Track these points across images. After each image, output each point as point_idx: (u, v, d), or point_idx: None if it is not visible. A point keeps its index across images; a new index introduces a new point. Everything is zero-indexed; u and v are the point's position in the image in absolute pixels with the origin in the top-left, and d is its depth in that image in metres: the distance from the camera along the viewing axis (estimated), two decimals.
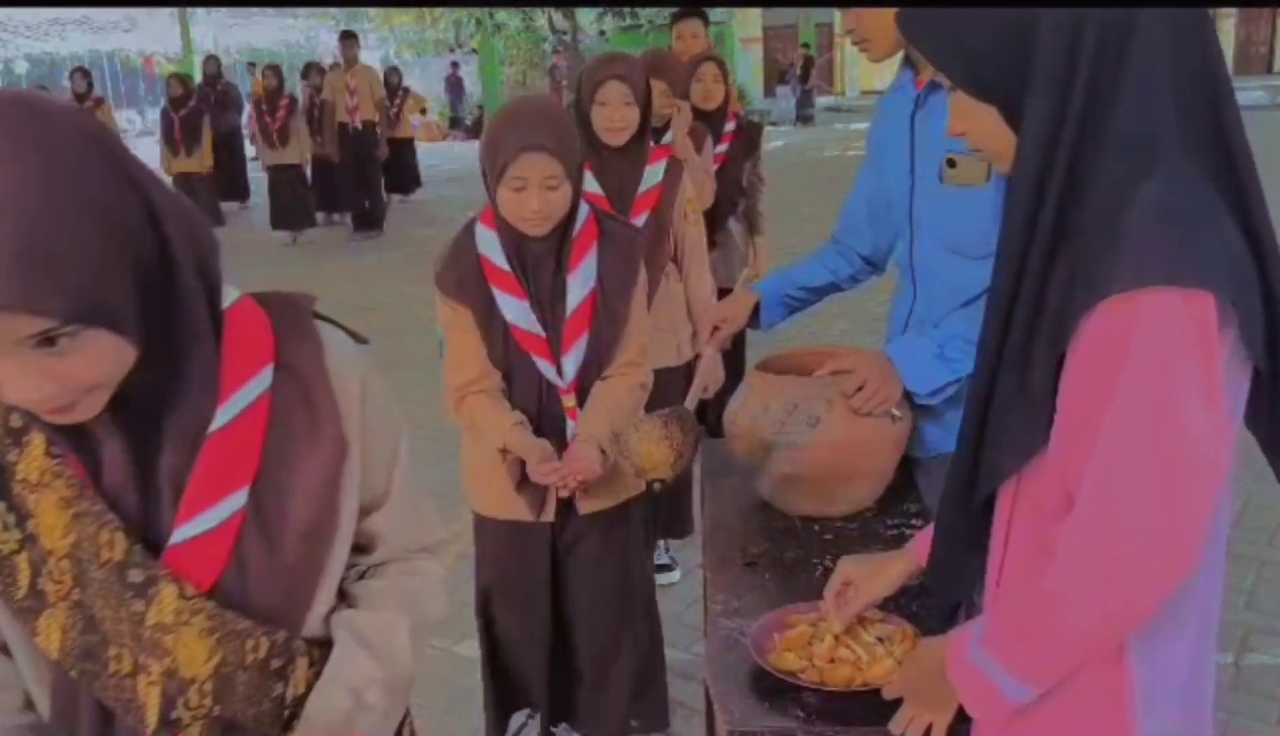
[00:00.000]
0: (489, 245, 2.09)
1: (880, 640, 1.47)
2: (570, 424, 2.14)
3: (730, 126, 4.13)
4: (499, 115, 2.03)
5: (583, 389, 2.15)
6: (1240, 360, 1.06)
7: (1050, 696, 1.14)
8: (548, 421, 2.15)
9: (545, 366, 2.11)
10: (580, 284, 2.09)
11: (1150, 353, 1.00)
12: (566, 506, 2.23)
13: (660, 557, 3.52)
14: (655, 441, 1.95)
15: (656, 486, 2.04)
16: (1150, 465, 1.01)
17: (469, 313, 2.10)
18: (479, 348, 2.12)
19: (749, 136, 4.22)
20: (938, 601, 1.34)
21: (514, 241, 2.06)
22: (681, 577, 3.60)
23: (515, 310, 2.08)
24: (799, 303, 2.24)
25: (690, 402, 2.12)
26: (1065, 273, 1.06)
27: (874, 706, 1.34)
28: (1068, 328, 1.05)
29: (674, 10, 5.08)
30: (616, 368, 2.17)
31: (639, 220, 2.76)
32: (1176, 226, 1.01)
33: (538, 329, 2.09)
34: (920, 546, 1.47)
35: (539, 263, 2.08)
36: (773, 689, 1.42)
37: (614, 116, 2.67)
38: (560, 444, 2.15)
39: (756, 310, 2.19)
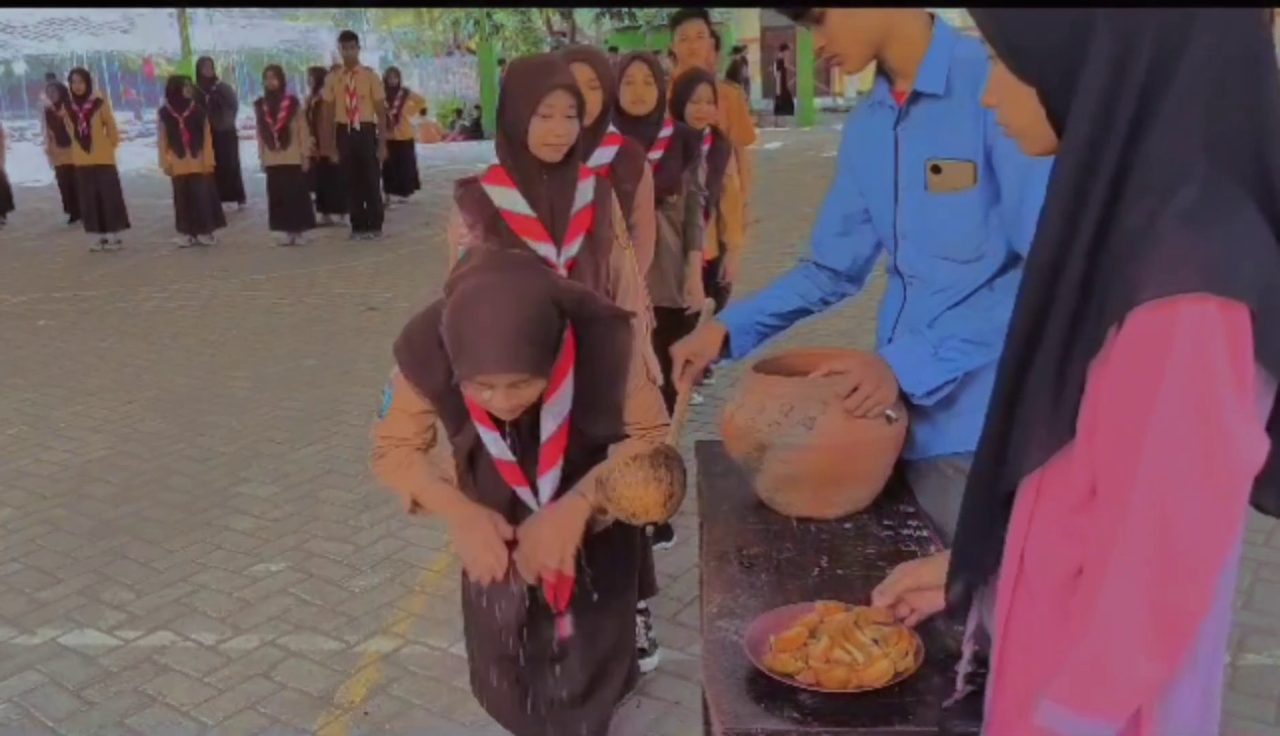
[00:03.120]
0: None
1: (876, 641, 1.47)
2: None
3: (665, 132, 3.83)
4: (462, 311, 1.79)
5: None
6: (1267, 376, 1.05)
7: None
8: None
9: (520, 490, 2.03)
10: (556, 413, 1.97)
11: (1190, 361, 0.99)
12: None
13: (638, 639, 2.96)
14: (644, 483, 1.82)
15: (650, 530, 1.97)
16: (1198, 477, 1.01)
17: (424, 402, 2.00)
18: (420, 430, 2.04)
19: (686, 144, 3.93)
20: (958, 586, 1.33)
21: None
22: (678, 577, 3.61)
23: (487, 436, 1.99)
24: (769, 329, 2.22)
25: (672, 439, 2.02)
26: (1104, 277, 1.06)
27: (869, 708, 1.34)
28: (1103, 330, 1.05)
29: (674, 11, 5.03)
30: (633, 430, 2.07)
31: (574, 245, 2.54)
32: (1213, 234, 1.00)
33: (509, 456, 2.00)
34: None
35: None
36: (768, 690, 1.42)
37: (557, 130, 2.39)
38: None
39: (726, 340, 2.17)
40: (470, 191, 2.50)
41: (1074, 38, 1.06)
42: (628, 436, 2.09)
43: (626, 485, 1.83)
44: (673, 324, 3.72)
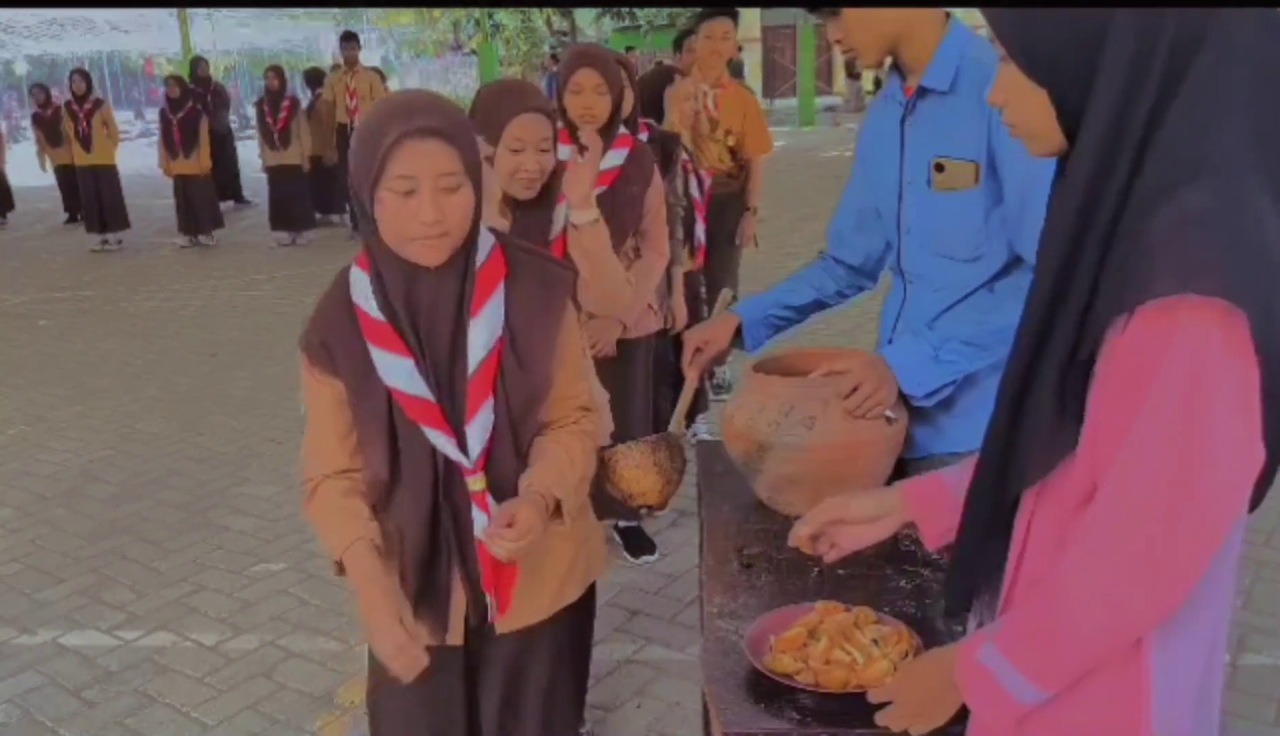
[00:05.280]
0: (362, 291, 1.64)
1: (876, 642, 1.47)
2: (480, 514, 1.68)
3: (640, 138, 3.45)
4: (372, 108, 1.60)
5: (493, 466, 1.68)
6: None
7: (1062, 696, 1.14)
8: (448, 513, 1.69)
9: (441, 440, 1.65)
10: (485, 333, 1.65)
11: (1185, 363, 0.99)
12: (481, 620, 1.79)
13: None
14: (644, 468, 1.87)
15: (644, 513, 1.99)
16: (1167, 475, 1.01)
17: (336, 384, 1.66)
18: (345, 433, 1.69)
19: (664, 151, 3.66)
20: (955, 593, 1.34)
21: (398, 279, 1.61)
22: (678, 577, 3.61)
23: (396, 371, 1.62)
24: (784, 322, 2.22)
25: (674, 425, 2.06)
26: (1109, 280, 1.05)
27: (869, 708, 1.33)
28: (1104, 334, 1.05)
29: (700, 10, 4.74)
30: (562, 417, 1.78)
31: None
32: (1220, 238, 0.99)
33: (426, 393, 1.63)
34: (910, 493, 1.47)
35: (433, 306, 1.63)
36: (768, 691, 1.42)
37: (527, 167, 2.22)
38: (465, 542, 1.71)
39: (739, 331, 2.17)
40: None
41: (1091, 40, 1.05)
42: (549, 424, 1.77)
43: (627, 466, 1.89)
44: (660, 345, 3.59)
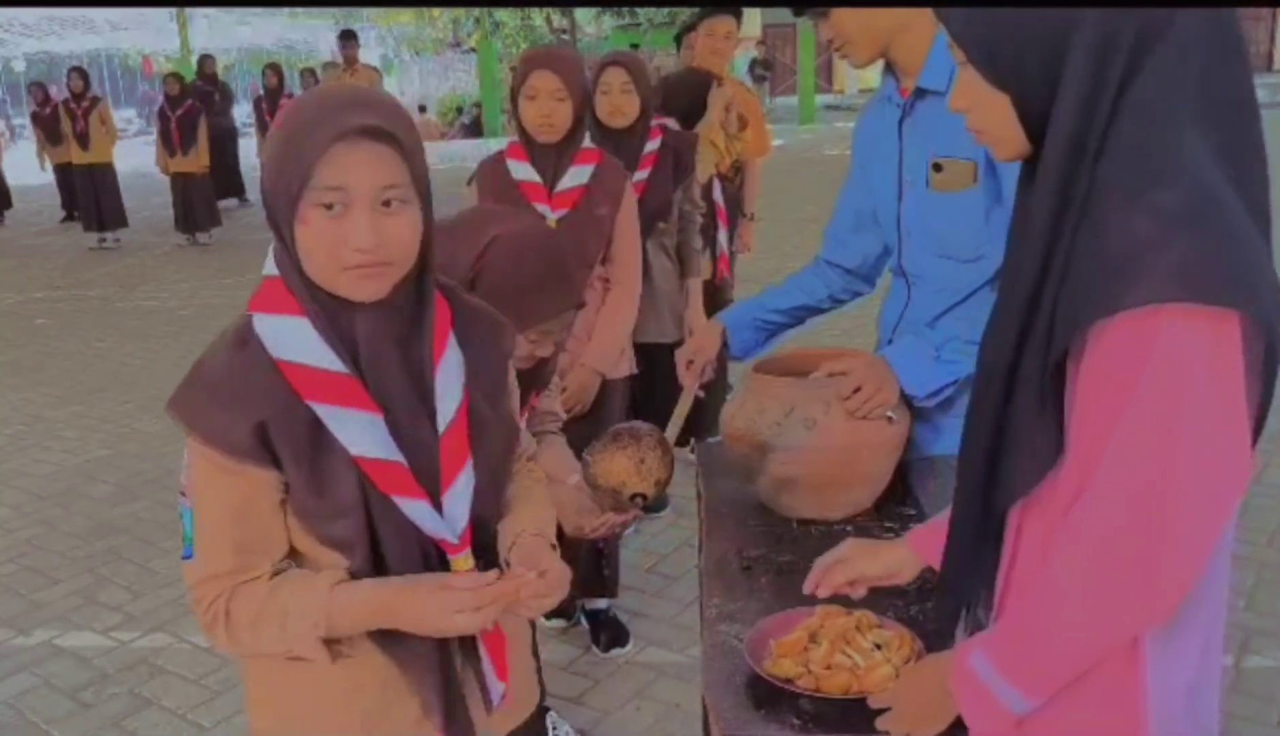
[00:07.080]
0: (296, 343, 1.26)
1: (878, 646, 1.45)
2: None
3: (652, 146, 3.25)
4: (293, 103, 1.28)
5: (478, 539, 1.39)
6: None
7: (1060, 697, 1.13)
8: None
9: (422, 512, 1.32)
10: (453, 381, 1.35)
11: (1168, 370, 0.98)
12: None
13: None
14: (613, 454, 1.87)
15: (640, 501, 1.96)
16: (1153, 481, 1.00)
17: (265, 475, 1.26)
18: (259, 536, 1.29)
19: (678, 156, 3.36)
20: (946, 605, 1.33)
21: (337, 320, 1.28)
22: (678, 579, 3.59)
23: (364, 432, 1.28)
24: (773, 326, 2.21)
25: (670, 433, 2.04)
26: (1082, 283, 1.04)
27: (870, 713, 1.32)
28: (1082, 336, 1.04)
29: (700, 10, 4.61)
30: (516, 469, 1.55)
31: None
32: (1201, 239, 0.98)
33: (399, 456, 1.30)
34: (918, 542, 1.46)
35: (381, 348, 1.30)
36: (769, 695, 1.41)
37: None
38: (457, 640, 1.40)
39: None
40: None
41: (1054, 42, 1.04)
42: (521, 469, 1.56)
43: (596, 461, 1.89)
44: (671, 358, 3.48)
